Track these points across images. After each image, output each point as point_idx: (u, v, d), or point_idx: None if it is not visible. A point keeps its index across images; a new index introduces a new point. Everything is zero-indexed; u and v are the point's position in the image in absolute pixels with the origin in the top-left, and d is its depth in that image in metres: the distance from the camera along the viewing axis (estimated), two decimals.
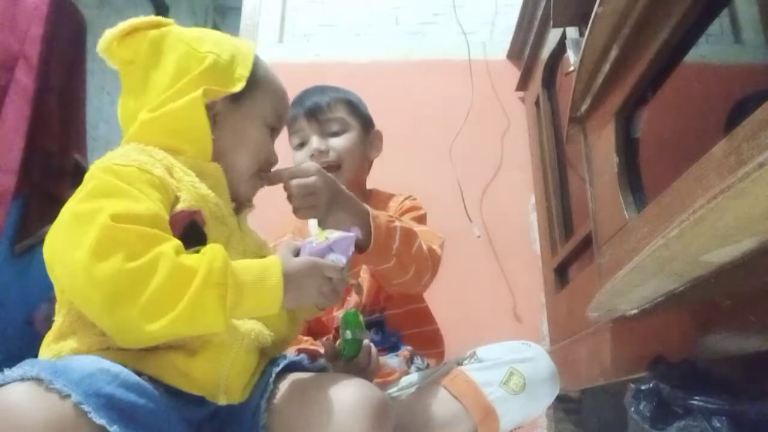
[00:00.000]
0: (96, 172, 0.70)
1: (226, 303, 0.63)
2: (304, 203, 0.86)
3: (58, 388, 0.54)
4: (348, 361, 0.92)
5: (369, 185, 1.27)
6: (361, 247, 0.88)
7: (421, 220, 1.16)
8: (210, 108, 0.79)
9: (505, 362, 0.91)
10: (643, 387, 0.79)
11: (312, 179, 0.85)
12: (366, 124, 1.22)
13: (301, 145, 1.18)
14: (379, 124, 1.27)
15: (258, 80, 0.84)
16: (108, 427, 0.54)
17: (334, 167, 1.14)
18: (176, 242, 0.65)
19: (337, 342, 0.97)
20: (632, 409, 0.80)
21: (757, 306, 0.66)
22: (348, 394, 0.67)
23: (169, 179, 0.72)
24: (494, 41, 2.00)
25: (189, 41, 0.81)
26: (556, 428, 1.46)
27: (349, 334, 0.94)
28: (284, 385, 0.74)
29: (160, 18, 0.82)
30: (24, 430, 0.52)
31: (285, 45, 2.05)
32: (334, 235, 0.77)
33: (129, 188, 0.67)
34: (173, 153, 0.76)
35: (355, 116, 1.20)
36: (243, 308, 0.66)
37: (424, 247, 0.97)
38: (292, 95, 1.26)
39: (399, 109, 1.86)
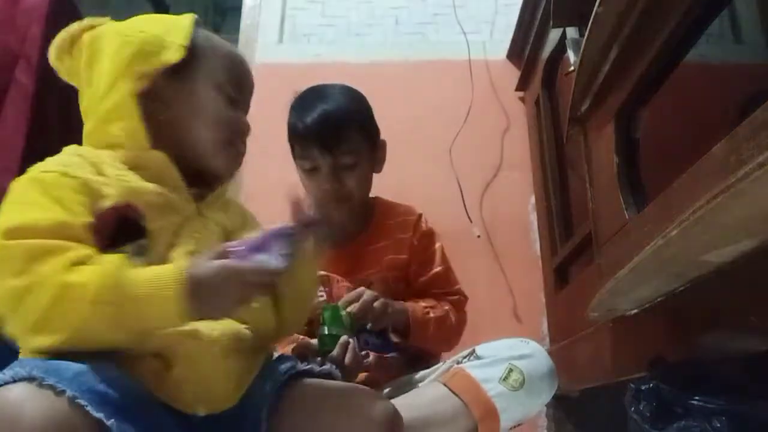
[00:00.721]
0: (18, 182, 0.70)
1: (117, 323, 0.60)
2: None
3: (53, 384, 0.53)
4: (323, 356, 0.93)
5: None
6: (402, 336, 1.07)
7: (440, 252, 1.20)
8: (151, 89, 0.77)
9: (504, 359, 0.92)
10: (643, 387, 0.79)
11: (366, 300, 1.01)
12: (374, 142, 1.19)
13: (313, 169, 1.14)
14: (378, 124, 1.26)
15: (199, 47, 0.81)
16: (105, 420, 0.54)
17: (345, 198, 1.14)
18: (76, 253, 0.62)
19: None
20: (632, 409, 0.80)
21: (757, 306, 0.66)
22: (360, 407, 0.67)
23: (95, 178, 0.70)
24: (494, 41, 1.99)
25: (122, 30, 0.79)
26: (556, 428, 1.46)
27: (324, 330, 0.95)
28: (292, 392, 0.71)
29: (94, 18, 0.81)
30: (22, 427, 0.51)
31: (285, 45, 2.05)
32: (267, 230, 0.69)
33: (40, 198, 0.66)
34: (113, 148, 0.75)
35: (365, 140, 1.16)
36: (143, 323, 0.62)
37: (453, 320, 1.14)
38: (291, 95, 1.25)
39: (399, 109, 1.86)
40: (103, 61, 0.78)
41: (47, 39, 1.53)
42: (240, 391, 0.72)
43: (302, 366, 0.75)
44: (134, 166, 0.75)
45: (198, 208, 0.78)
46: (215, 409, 0.70)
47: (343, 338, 0.96)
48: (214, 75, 0.81)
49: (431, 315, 1.10)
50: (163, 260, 0.70)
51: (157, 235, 0.71)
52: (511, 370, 0.90)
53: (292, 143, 1.17)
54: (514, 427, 0.94)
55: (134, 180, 0.73)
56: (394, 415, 0.68)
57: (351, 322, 0.99)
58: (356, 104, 1.19)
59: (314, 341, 1.00)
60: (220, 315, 0.69)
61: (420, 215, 1.22)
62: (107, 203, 0.69)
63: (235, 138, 0.83)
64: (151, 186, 0.74)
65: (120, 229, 0.69)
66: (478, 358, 0.94)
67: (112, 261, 0.63)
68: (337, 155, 1.11)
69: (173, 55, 0.77)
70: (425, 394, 0.91)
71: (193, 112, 0.80)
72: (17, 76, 1.46)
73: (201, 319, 0.66)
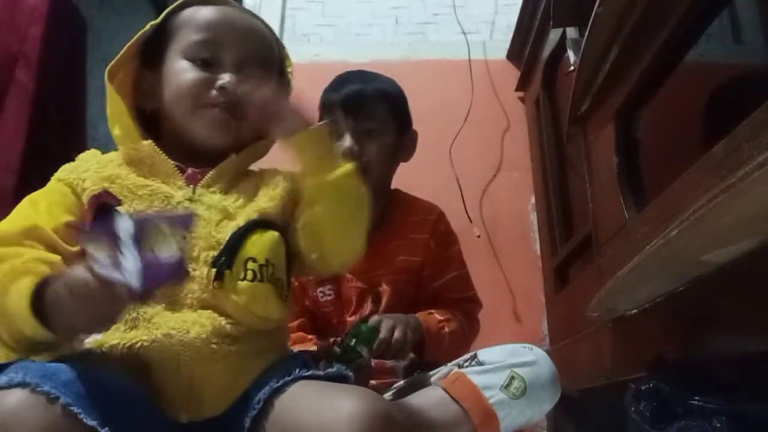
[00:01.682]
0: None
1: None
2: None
3: (46, 391, 0.52)
4: (339, 363, 0.92)
5: None
6: (417, 352, 1.03)
7: (457, 256, 1.18)
8: (138, 87, 0.82)
9: (506, 366, 0.90)
10: (643, 387, 0.79)
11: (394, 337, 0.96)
12: (402, 123, 1.18)
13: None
14: None
15: (175, 25, 0.82)
16: (99, 428, 0.53)
17: (363, 167, 1.07)
18: (13, 263, 0.64)
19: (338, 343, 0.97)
20: (632, 409, 0.80)
21: (757, 306, 0.66)
22: (346, 406, 0.60)
23: (78, 175, 0.75)
24: (494, 41, 2.00)
25: None
26: (556, 428, 1.46)
27: (353, 342, 0.94)
28: (286, 392, 0.66)
29: None
30: None
31: (285, 45, 2.04)
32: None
33: (25, 205, 0.73)
34: (120, 145, 0.79)
35: (393, 115, 1.15)
36: (20, 334, 0.61)
37: (467, 332, 1.11)
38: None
39: None
40: None
41: (47, 39, 1.53)
42: (228, 397, 0.68)
43: (304, 372, 0.69)
44: (130, 161, 0.77)
45: (194, 192, 0.75)
46: (198, 416, 0.67)
47: (363, 359, 0.95)
48: (182, 44, 0.80)
49: (446, 330, 1.07)
50: None
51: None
52: (513, 378, 0.88)
53: (322, 117, 1.15)
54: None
55: (108, 169, 0.75)
56: (384, 417, 0.61)
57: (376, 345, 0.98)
58: (390, 85, 1.18)
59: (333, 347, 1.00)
60: (83, 330, 0.62)
61: (440, 215, 1.19)
62: (87, 194, 0.74)
63: (205, 96, 0.78)
64: (125, 172, 0.76)
65: (101, 216, 0.70)
66: (479, 363, 0.92)
67: (13, 269, 0.63)
68: (360, 119, 1.11)
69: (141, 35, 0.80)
70: (425, 399, 0.90)
71: (167, 90, 0.80)
72: (17, 76, 1.46)
73: (69, 332, 0.62)
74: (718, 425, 0.68)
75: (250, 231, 0.74)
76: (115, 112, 0.79)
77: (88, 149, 0.82)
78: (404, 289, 1.12)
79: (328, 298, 1.13)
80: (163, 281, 0.55)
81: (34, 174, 1.41)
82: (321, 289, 1.14)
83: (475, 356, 0.94)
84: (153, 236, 0.53)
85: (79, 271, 0.56)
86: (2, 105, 1.43)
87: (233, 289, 0.70)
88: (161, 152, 0.77)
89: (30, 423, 0.51)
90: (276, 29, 2.04)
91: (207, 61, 0.79)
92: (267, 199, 0.78)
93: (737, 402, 0.69)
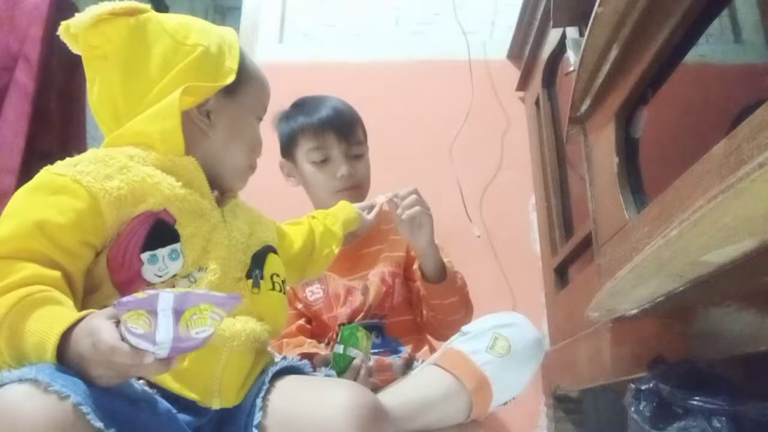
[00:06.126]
0: (32, 182, 0.69)
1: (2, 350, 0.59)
2: (418, 218, 1.08)
3: (57, 389, 0.52)
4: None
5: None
6: (435, 278, 1.10)
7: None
8: (203, 105, 0.79)
9: (489, 329, 0.95)
10: (643, 387, 0.79)
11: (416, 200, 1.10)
12: (367, 144, 1.29)
13: (326, 160, 1.20)
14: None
15: (246, 72, 0.84)
16: (105, 430, 0.53)
17: (357, 188, 1.21)
18: (9, 281, 0.60)
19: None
20: (632, 409, 0.80)
21: (757, 306, 0.66)
22: (338, 397, 0.67)
23: (102, 185, 0.68)
24: (494, 41, 1.99)
25: (173, 32, 0.77)
26: (556, 428, 1.46)
27: (340, 349, 0.96)
28: (280, 385, 0.75)
29: (135, 4, 0.77)
30: (21, 427, 0.51)
31: (285, 45, 2.05)
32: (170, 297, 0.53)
33: (23, 210, 0.66)
34: (143, 148, 0.74)
35: (365, 137, 1.27)
36: (24, 360, 0.58)
37: (466, 290, 1.17)
38: (291, 95, 1.26)
39: (399, 109, 1.86)
40: (151, 57, 0.75)
41: (47, 39, 1.53)
42: (245, 389, 0.75)
43: (294, 361, 0.80)
44: (166, 170, 0.74)
45: (222, 214, 0.80)
46: (227, 403, 0.72)
47: (356, 361, 0.96)
48: (255, 101, 0.86)
49: (459, 273, 1.16)
50: (197, 265, 0.72)
51: (190, 240, 0.72)
52: (496, 338, 0.93)
53: (300, 141, 1.21)
54: (506, 403, 0.96)
55: (167, 186, 0.73)
56: (373, 407, 0.68)
57: (366, 342, 1.00)
58: (354, 109, 1.27)
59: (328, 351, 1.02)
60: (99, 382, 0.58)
61: None
62: (143, 207, 0.70)
63: (255, 162, 0.88)
64: (185, 192, 0.74)
65: (154, 234, 0.70)
66: (463, 334, 0.97)
67: (22, 293, 0.59)
68: (351, 143, 1.20)
69: (226, 79, 0.79)
70: (419, 377, 0.94)
71: (233, 134, 0.83)
72: (17, 76, 1.46)
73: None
74: (718, 425, 0.69)
75: (268, 251, 0.84)
76: (164, 115, 0.74)
77: (88, 149, 0.79)
78: (390, 281, 1.19)
79: (318, 295, 1.19)
80: (187, 350, 0.56)
81: (34, 174, 1.41)
82: (309, 288, 1.21)
83: (460, 331, 0.98)
84: (191, 313, 0.54)
85: (107, 333, 0.53)
86: (2, 105, 1.43)
87: (268, 295, 0.80)
88: (203, 174, 0.78)
89: (39, 417, 0.51)
90: (276, 29, 2.06)
91: (259, 123, 0.89)
92: (267, 231, 0.88)
93: (737, 402, 0.69)
